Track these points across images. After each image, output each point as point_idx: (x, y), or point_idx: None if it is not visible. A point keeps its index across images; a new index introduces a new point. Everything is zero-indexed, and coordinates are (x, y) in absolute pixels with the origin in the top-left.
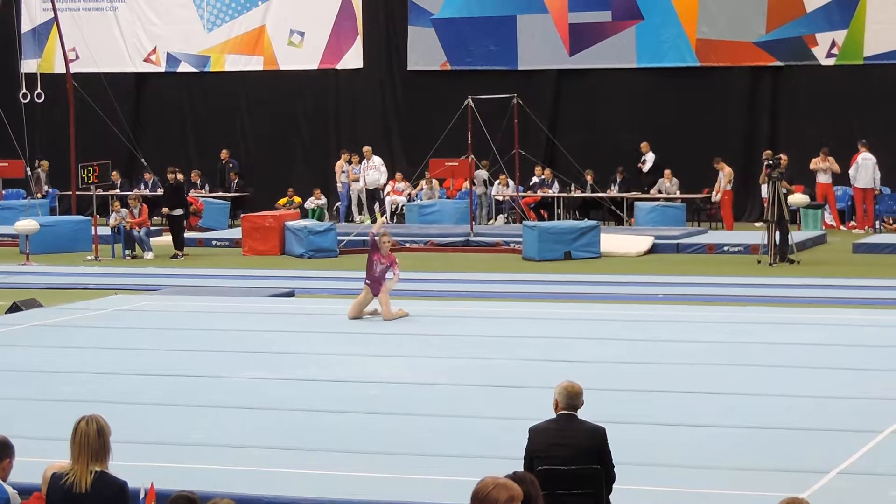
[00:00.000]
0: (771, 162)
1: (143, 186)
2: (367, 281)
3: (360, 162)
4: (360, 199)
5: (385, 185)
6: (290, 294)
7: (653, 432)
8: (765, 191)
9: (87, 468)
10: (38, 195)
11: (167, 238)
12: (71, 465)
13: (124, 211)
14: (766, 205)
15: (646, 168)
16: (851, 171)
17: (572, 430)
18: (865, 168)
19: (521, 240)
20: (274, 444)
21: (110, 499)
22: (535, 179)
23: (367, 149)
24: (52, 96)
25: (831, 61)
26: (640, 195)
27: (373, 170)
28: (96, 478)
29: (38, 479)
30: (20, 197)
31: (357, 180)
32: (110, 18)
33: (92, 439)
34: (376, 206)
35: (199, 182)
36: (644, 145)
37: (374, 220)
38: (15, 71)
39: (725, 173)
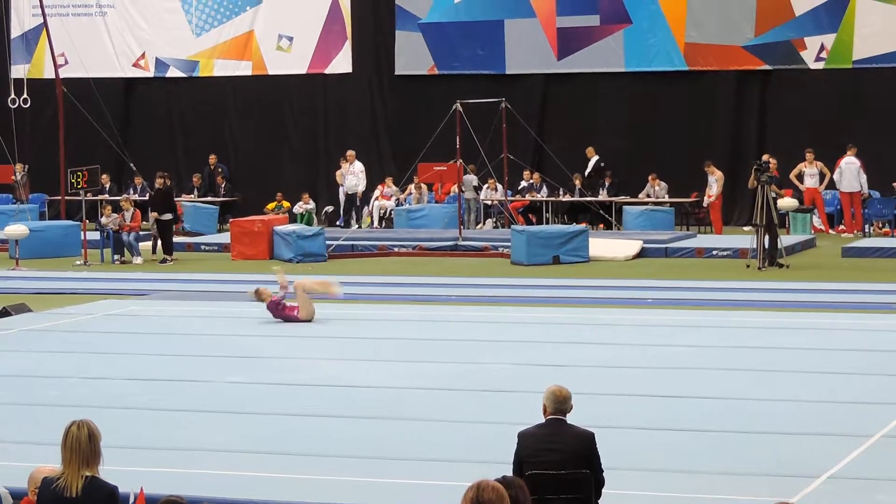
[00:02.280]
0: (758, 166)
1: (132, 191)
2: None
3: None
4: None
5: (363, 192)
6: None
7: (642, 436)
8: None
9: (77, 473)
10: (23, 199)
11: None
12: (62, 470)
13: (114, 216)
14: (755, 209)
15: (587, 171)
16: (835, 176)
17: (561, 434)
18: (849, 172)
19: (509, 244)
20: (262, 448)
21: None
22: (523, 184)
23: (350, 153)
24: (42, 101)
25: (820, 65)
26: (628, 199)
27: (351, 175)
28: (87, 483)
29: (27, 485)
30: (9, 202)
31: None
32: (99, 24)
33: (83, 444)
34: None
35: (198, 187)
36: (589, 150)
37: (360, 226)
38: (5, 76)
39: (717, 178)
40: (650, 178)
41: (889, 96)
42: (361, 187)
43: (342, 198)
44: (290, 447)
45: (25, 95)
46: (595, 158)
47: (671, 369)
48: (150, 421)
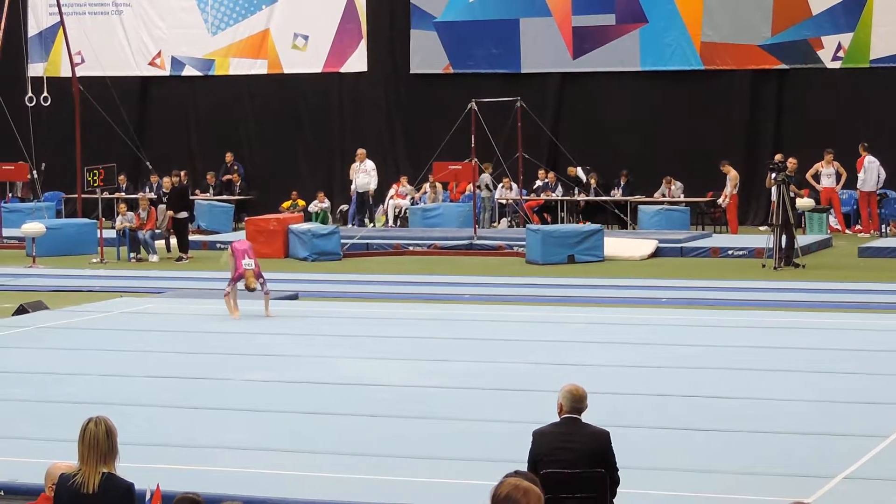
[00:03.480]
0: (774, 165)
1: (148, 189)
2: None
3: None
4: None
5: (375, 190)
6: (294, 297)
7: (657, 436)
8: (774, 194)
9: (95, 469)
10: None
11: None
12: (78, 466)
13: (130, 214)
14: (772, 208)
15: (584, 180)
16: (861, 175)
17: (576, 433)
18: (871, 170)
19: (524, 243)
20: (279, 446)
21: (117, 500)
22: (538, 183)
23: (361, 152)
24: (58, 100)
25: (837, 64)
26: (643, 198)
27: (363, 173)
28: (104, 479)
29: (44, 480)
30: (14, 201)
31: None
32: (115, 22)
33: (101, 440)
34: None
35: (212, 185)
36: (570, 170)
37: (374, 224)
38: (22, 75)
39: (731, 177)
40: (664, 180)
41: None
42: (373, 185)
43: (353, 196)
44: (307, 445)
45: (45, 94)
46: (578, 169)
47: (686, 369)
48: (167, 418)
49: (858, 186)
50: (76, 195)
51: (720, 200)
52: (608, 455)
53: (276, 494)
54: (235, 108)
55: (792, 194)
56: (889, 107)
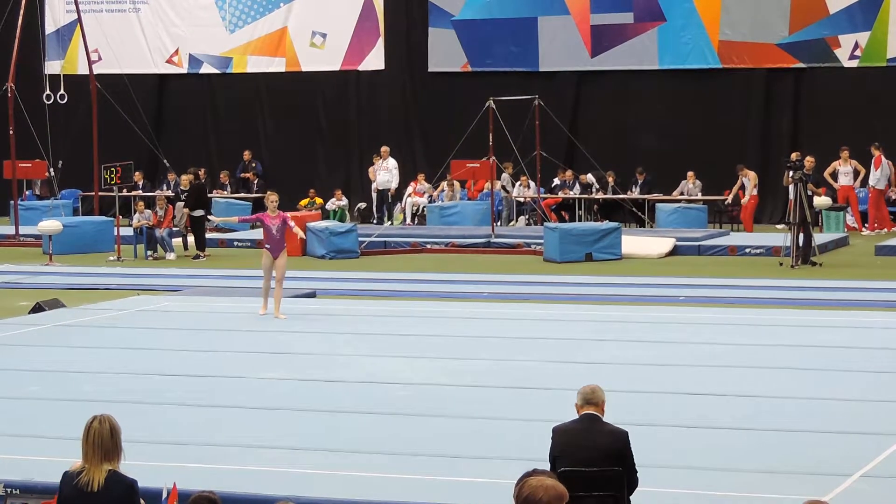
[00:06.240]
0: (791, 164)
1: (165, 187)
2: (266, 246)
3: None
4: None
5: (395, 189)
6: (312, 295)
7: (674, 434)
8: (791, 192)
9: (100, 468)
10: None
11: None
12: (83, 464)
13: (147, 212)
14: (789, 207)
15: (597, 185)
16: (878, 173)
17: (595, 431)
18: (885, 170)
19: (542, 241)
20: (295, 444)
21: (119, 497)
22: (556, 181)
23: (384, 149)
24: (75, 97)
25: (854, 63)
26: (661, 197)
27: (384, 171)
28: (108, 477)
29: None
30: (32, 198)
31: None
32: (133, 20)
33: (105, 439)
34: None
35: (227, 183)
36: (582, 177)
37: (392, 223)
38: (39, 72)
39: (750, 178)
40: (689, 174)
41: None
42: (394, 184)
43: (374, 194)
44: (324, 443)
45: (61, 91)
46: (588, 176)
47: (703, 367)
48: (184, 416)
49: (872, 184)
50: (93, 193)
51: (743, 200)
52: (626, 454)
53: (293, 493)
54: (253, 106)
55: (809, 192)
56: None
